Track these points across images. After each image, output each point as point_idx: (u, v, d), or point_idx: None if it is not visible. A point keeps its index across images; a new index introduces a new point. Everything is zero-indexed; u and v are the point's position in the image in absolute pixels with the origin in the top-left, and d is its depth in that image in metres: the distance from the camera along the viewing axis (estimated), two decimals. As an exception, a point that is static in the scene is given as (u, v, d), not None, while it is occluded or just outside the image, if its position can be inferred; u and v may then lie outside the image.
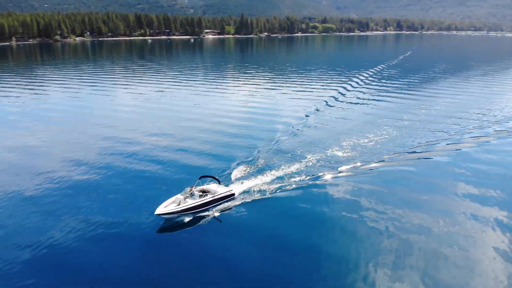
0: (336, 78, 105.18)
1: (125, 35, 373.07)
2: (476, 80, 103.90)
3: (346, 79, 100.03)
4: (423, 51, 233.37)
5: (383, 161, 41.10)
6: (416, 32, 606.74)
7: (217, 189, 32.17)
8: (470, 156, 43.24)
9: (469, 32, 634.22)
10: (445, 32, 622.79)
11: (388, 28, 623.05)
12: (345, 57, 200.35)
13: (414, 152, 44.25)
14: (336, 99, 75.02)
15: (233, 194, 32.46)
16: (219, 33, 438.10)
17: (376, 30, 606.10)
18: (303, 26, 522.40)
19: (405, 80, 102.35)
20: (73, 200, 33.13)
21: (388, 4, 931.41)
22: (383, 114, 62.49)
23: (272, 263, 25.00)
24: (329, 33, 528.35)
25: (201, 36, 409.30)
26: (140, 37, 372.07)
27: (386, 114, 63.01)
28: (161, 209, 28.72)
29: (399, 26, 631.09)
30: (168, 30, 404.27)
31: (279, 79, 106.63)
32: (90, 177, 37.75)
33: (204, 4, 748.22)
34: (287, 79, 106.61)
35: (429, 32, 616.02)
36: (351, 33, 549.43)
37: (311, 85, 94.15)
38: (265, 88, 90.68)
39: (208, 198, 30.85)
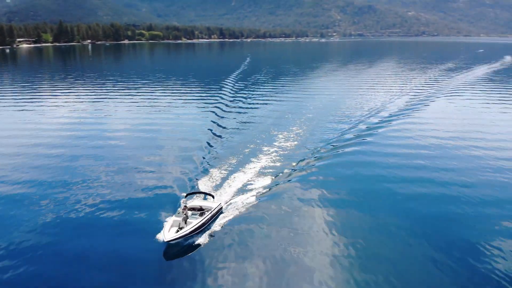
0: (209, 88, 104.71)
1: None
2: (335, 77, 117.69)
3: (218, 88, 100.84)
4: (260, 56, 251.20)
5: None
6: (238, 40, 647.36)
7: (208, 204, 30.01)
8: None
9: (281, 39, 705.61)
10: (262, 40, 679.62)
11: (212, 36, 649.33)
12: (196, 65, 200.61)
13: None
14: (223, 110, 74.74)
15: (221, 206, 30.78)
16: (35, 42, 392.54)
17: (202, 38, 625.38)
18: (129, 33, 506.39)
19: (268, 84, 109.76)
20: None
21: (207, 13, 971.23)
22: (276, 116, 66.12)
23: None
24: (157, 41, 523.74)
25: (15, 46, 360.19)
26: None
27: (277, 119, 66.39)
28: (169, 235, 25.37)
29: (222, 34, 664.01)
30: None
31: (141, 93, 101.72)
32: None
33: (8, 11, 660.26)
34: (157, 92, 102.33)
35: (248, 40, 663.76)
36: (179, 41, 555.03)
37: (189, 96, 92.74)
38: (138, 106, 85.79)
39: (209, 214, 28.55)
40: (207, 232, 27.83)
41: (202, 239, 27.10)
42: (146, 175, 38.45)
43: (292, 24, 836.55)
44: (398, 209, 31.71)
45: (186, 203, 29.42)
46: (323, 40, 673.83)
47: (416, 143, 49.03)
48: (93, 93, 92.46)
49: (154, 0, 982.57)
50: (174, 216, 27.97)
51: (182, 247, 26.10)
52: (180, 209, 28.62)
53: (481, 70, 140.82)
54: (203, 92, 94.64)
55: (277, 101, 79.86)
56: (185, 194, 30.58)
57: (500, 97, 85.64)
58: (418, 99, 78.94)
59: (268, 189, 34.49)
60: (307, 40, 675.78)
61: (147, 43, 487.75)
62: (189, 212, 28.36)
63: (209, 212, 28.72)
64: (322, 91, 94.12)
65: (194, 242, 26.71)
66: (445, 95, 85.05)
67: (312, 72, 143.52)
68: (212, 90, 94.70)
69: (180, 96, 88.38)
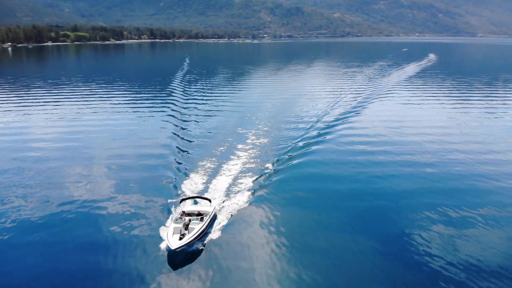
0: (157, 90, 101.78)
1: None
2: (276, 80, 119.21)
3: (166, 90, 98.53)
4: (199, 57, 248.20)
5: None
6: (170, 40, 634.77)
7: (205, 209, 29.37)
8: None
9: (214, 40, 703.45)
10: (195, 40, 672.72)
11: (142, 36, 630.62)
12: (135, 67, 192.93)
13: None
14: (180, 112, 73.29)
15: (216, 210, 30.21)
16: None
17: (131, 38, 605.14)
18: (53, 34, 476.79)
19: (216, 84, 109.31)
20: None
21: (135, 13, 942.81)
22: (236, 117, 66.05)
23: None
24: (83, 42, 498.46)
25: None
26: None
27: (237, 118, 66.58)
28: (175, 243, 24.39)
29: (152, 34, 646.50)
30: None
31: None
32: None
33: None
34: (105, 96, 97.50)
35: (181, 40, 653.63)
36: (106, 42, 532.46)
37: (137, 100, 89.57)
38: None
39: (208, 219, 27.89)
40: (208, 237, 27.29)
41: (204, 244, 26.56)
42: (125, 187, 36.55)
43: (223, 25, 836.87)
44: (341, 206, 32.68)
45: (183, 209, 28.59)
46: (255, 41, 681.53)
47: (362, 145, 49.13)
48: (17, 100, 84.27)
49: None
50: (173, 223, 27.04)
51: (187, 254, 25.40)
52: (177, 215, 27.72)
53: (411, 68, 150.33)
54: (151, 95, 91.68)
55: (231, 100, 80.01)
56: (180, 200, 29.62)
57: (434, 93, 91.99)
58: (357, 101, 78.66)
59: (252, 191, 34.63)
60: (240, 41, 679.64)
61: (73, 44, 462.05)
62: (187, 218, 27.50)
63: (208, 216, 28.13)
64: (266, 93, 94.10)
65: (197, 247, 26.08)
66: (382, 95, 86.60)
67: (253, 73, 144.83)
68: (162, 92, 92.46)
69: (127, 100, 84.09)
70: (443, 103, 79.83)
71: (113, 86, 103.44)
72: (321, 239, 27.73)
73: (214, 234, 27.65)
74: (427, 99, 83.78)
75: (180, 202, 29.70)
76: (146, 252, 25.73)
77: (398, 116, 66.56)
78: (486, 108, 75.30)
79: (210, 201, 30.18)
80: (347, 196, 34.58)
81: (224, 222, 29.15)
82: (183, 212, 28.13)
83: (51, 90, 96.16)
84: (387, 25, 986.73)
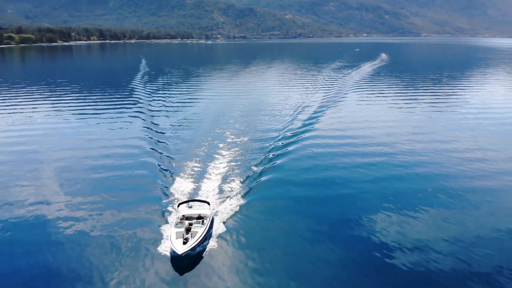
0: (118, 92, 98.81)
1: None
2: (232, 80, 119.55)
3: (128, 91, 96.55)
4: (154, 58, 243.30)
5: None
6: (120, 41, 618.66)
7: (204, 211, 29.43)
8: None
9: (167, 40, 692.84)
10: (146, 41, 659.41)
11: (91, 37, 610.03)
12: (89, 68, 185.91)
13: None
14: (146, 113, 72.51)
15: (213, 211, 30.35)
16: None
17: (80, 39, 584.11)
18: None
19: (177, 84, 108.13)
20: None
21: (83, 14, 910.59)
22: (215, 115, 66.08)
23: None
24: (29, 44, 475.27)
25: None
26: None
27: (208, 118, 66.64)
28: (182, 247, 24.38)
29: (102, 35, 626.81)
30: None
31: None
32: None
33: None
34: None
35: (132, 41, 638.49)
36: (53, 44, 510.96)
37: (97, 104, 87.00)
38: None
39: (209, 221, 27.99)
40: (210, 239, 27.42)
41: (207, 246, 26.63)
42: (114, 194, 35.72)
43: (175, 26, 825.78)
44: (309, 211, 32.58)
45: (182, 213, 28.53)
46: (209, 42, 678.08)
47: (325, 148, 49.07)
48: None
49: (21, 0, 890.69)
50: (174, 227, 26.89)
51: (191, 257, 25.40)
52: (178, 219, 27.56)
53: (367, 67, 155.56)
54: (112, 97, 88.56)
55: (197, 100, 79.69)
56: (178, 204, 29.46)
57: (390, 92, 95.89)
58: (320, 103, 78.25)
59: (246, 189, 34.80)
60: (194, 41, 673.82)
61: (18, 47, 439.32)
62: (187, 222, 27.42)
63: (208, 219, 28.20)
64: (218, 95, 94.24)
65: (200, 250, 26.15)
66: (342, 96, 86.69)
67: (214, 74, 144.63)
68: (124, 94, 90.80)
69: (85, 104, 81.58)
70: (398, 101, 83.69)
71: (66, 90, 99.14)
72: (289, 245, 27.66)
73: (213, 237, 27.80)
74: (385, 98, 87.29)
75: (178, 206, 29.53)
76: (150, 259, 25.44)
77: (360, 117, 66.98)
78: (433, 103, 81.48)
79: (209, 203, 30.18)
80: (315, 201, 34.38)
81: (220, 222, 29.43)
82: (183, 216, 28.01)
83: None
84: (337, 26, 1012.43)
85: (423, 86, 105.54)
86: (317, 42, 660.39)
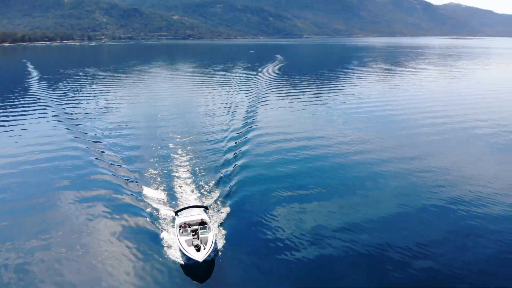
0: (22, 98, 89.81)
1: None
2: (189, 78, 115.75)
3: (33, 97, 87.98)
4: (41, 61, 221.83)
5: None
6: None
7: (203, 217, 28.94)
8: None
9: (45, 42, 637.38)
10: (22, 44, 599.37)
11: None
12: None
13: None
14: (67, 117, 67.52)
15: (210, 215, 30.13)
16: None
17: None
18: None
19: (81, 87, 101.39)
20: None
21: None
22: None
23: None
24: None
25: None
26: None
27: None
28: (199, 254, 24.08)
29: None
30: None
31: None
32: None
33: None
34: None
35: (6, 45, 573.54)
36: None
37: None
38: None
39: (212, 225, 27.61)
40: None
41: (217, 250, 26.56)
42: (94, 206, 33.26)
43: (53, 27, 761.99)
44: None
45: (183, 220, 27.81)
46: (93, 43, 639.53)
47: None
48: None
49: None
50: (180, 236, 26.06)
51: (207, 263, 25.03)
52: (182, 228, 26.82)
53: (270, 68, 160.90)
54: (18, 106, 79.32)
55: (117, 102, 75.97)
56: (175, 212, 28.48)
57: (304, 92, 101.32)
58: (249, 104, 78.10)
59: (225, 191, 34.87)
60: (76, 43, 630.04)
61: None
62: (189, 229, 26.85)
63: (210, 223, 27.88)
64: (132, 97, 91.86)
65: (214, 254, 25.92)
66: (264, 96, 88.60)
67: (112, 74, 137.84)
68: (29, 101, 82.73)
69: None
70: (305, 98, 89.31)
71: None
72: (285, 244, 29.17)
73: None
74: (298, 95, 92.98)
75: (175, 214, 28.50)
76: (162, 270, 24.50)
77: (287, 114, 70.43)
78: (325, 97, 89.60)
79: (207, 208, 29.61)
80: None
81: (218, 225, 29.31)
82: (185, 223, 27.20)
83: None
84: (225, 28, 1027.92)
85: (320, 82, 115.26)
86: (208, 43, 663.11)
